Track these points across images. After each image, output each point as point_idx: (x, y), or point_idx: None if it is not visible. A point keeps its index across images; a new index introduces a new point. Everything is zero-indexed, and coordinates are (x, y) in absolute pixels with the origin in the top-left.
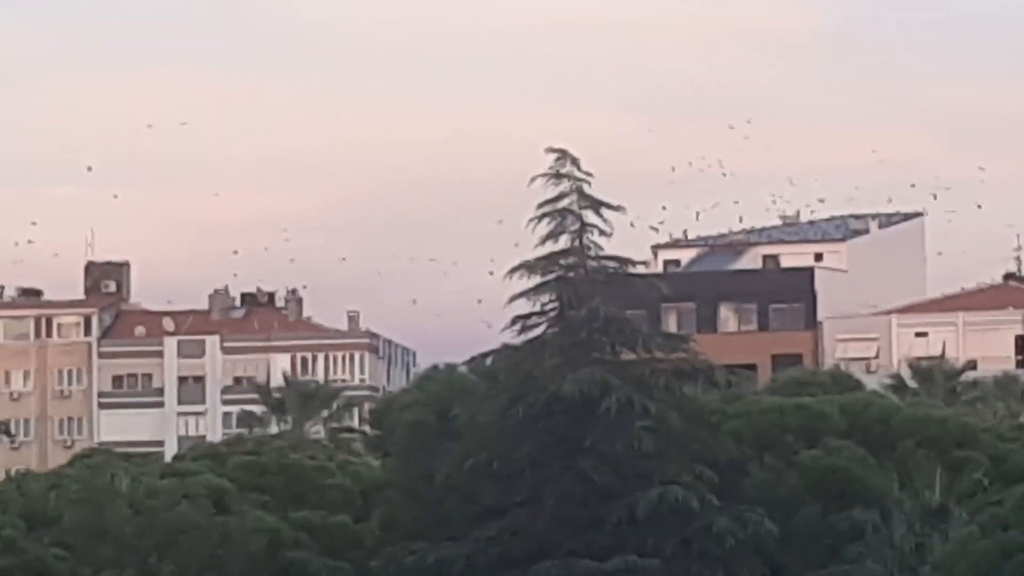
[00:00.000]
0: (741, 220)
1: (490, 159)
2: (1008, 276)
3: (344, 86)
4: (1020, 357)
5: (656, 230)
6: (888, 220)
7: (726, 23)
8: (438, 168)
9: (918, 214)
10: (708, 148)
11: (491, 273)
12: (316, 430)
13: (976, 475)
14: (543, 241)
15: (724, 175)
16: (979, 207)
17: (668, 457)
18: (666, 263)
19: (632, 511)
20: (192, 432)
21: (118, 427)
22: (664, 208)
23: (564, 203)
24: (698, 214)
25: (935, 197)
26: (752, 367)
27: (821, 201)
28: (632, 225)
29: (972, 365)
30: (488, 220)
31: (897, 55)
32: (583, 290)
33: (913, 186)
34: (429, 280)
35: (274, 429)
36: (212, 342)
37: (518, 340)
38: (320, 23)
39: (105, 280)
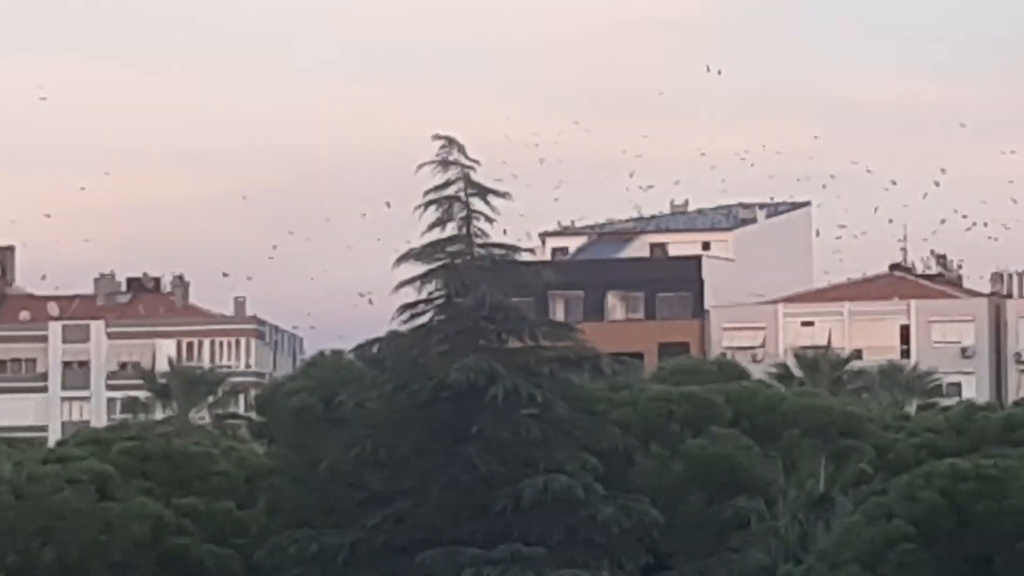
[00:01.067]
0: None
1: (377, 146)
2: (894, 266)
3: (231, 71)
4: (905, 347)
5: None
6: (775, 209)
7: (613, 11)
8: (326, 154)
9: (805, 204)
10: (594, 136)
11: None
12: (201, 416)
13: (860, 464)
14: (430, 228)
15: (618, 168)
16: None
17: (554, 445)
18: (554, 251)
19: (517, 499)
20: (76, 417)
21: (1, 412)
22: (555, 198)
23: (451, 190)
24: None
25: (823, 187)
26: (639, 355)
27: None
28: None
29: (857, 355)
30: (376, 207)
31: (787, 44)
32: (470, 277)
33: (800, 180)
34: (317, 266)
35: (159, 415)
36: (97, 327)
37: (405, 328)
38: (206, 8)
39: None
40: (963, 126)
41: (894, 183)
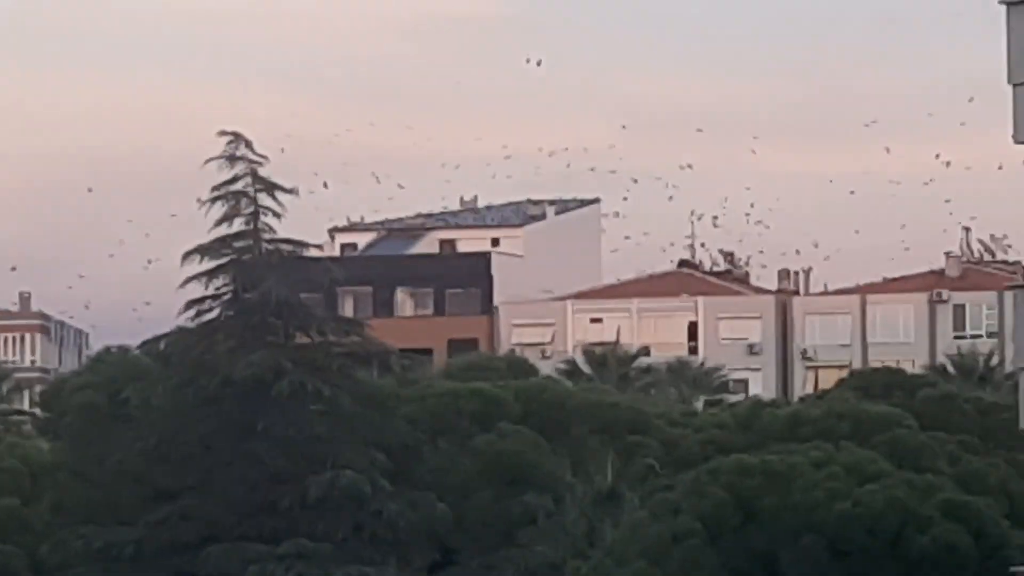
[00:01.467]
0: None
1: (169, 141)
2: (682, 263)
3: (14, 63)
4: (693, 344)
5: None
6: (565, 206)
7: (406, 8)
8: (114, 148)
9: (594, 200)
10: (387, 132)
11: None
12: None
13: (648, 460)
14: (217, 224)
15: (408, 165)
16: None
17: (341, 441)
18: (343, 246)
19: (304, 495)
20: None
21: None
22: (345, 194)
23: (238, 186)
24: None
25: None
26: (428, 352)
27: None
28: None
29: (646, 351)
30: (164, 202)
31: (580, 42)
32: (257, 273)
33: (591, 176)
34: (103, 261)
35: None
36: None
37: (193, 323)
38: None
39: None
40: (699, 130)
41: (684, 182)
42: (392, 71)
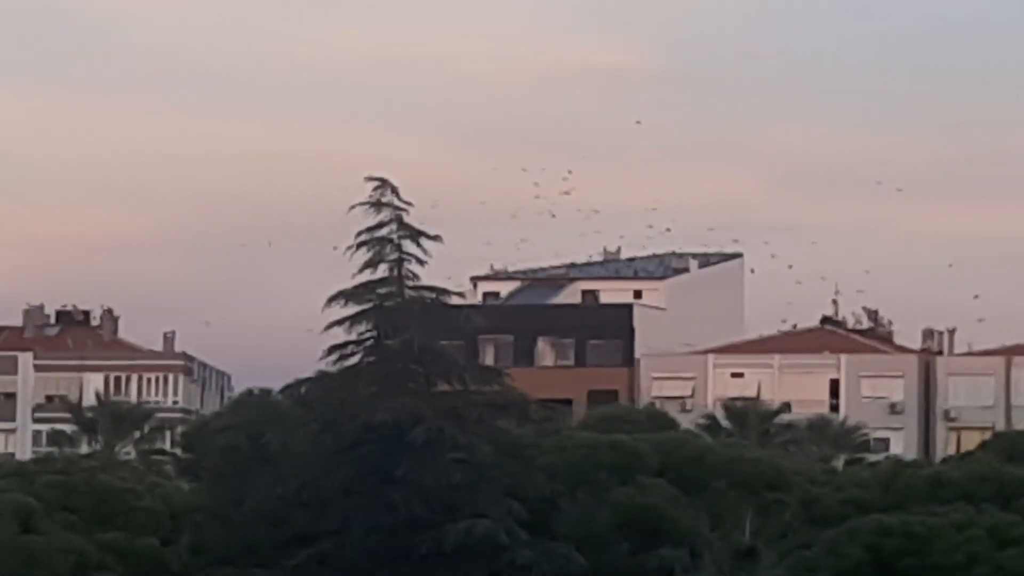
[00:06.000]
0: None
1: (314, 186)
2: (825, 320)
3: (167, 105)
4: (834, 401)
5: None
6: (708, 260)
7: (555, 60)
8: (260, 192)
9: (738, 255)
10: (533, 183)
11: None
12: (127, 451)
13: (786, 517)
14: (361, 270)
15: (552, 216)
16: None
17: (478, 490)
18: (485, 295)
19: (440, 543)
20: (1, 449)
21: None
22: (488, 243)
23: (383, 232)
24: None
25: (764, 242)
26: (568, 402)
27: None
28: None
29: (786, 407)
30: (308, 246)
31: (725, 96)
32: (400, 320)
33: (730, 237)
34: (246, 304)
35: (85, 449)
36: (25, 359)
37: (334, 368)
38: (143, 41)
39: None
40: (900, 190)
41: (829, 238)
42: (541, 122)
